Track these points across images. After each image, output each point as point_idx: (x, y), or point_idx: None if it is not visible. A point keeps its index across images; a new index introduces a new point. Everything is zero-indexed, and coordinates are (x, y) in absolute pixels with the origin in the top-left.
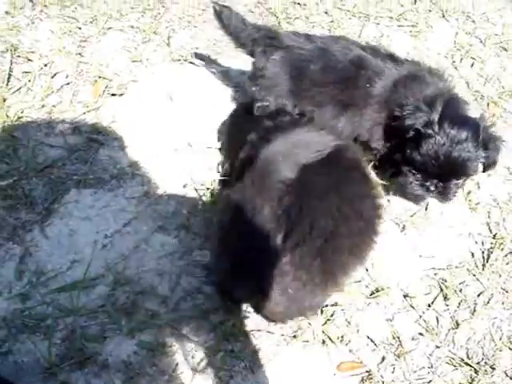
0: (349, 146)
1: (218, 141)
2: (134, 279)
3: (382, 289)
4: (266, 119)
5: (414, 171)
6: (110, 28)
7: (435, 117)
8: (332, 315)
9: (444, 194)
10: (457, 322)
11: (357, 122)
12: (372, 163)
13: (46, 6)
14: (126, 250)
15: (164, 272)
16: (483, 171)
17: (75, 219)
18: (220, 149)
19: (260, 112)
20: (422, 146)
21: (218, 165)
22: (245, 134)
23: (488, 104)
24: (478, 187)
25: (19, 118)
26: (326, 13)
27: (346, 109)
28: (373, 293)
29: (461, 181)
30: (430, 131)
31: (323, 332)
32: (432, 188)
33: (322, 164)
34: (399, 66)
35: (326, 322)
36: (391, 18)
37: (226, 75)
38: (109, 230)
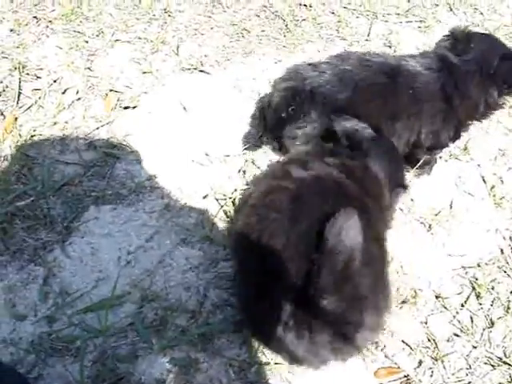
0: None
1: None
2: (161, 295)
3: (415, 292)
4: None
5: None
6: (118, 40)
7: None
8: None
9: None
10: (491, 320)
11: (411, 128)
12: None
13: (50, 21)
14: (151, 266)
15: (191, 286)
16: None
17: (96, 236)
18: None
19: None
20: None
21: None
22: None
23: None
24: (502, 182)
25: (32, 136)
26: (332, 13)
27: (394, 120)
28: (405, 299)
29: None
30: None
31: None
32: None
33: None
34: (422, 63)
35: None
36: (399, 14)
37: (237, 81)
38: (132, 246)
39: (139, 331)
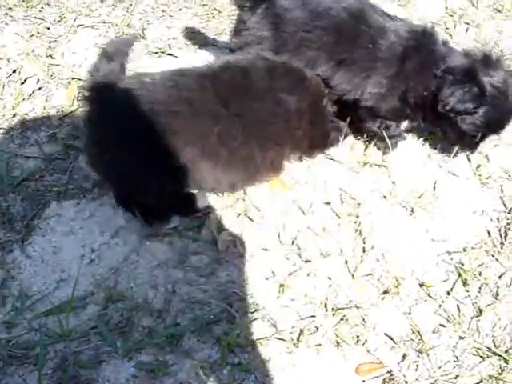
0: None
1: None
2: (126, 294)
3: (397, 280)
4: None
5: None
6: (80, 25)
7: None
8: (344, 314)
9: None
10: (479, 308)
11: (357, 84)
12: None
13: (10, 8)
14: (116, 263)
15: (158, 283)
16: None
17: (58, 234)
18: None
19: None
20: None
21: None
22: None
23: None
24: (488, 160)
25: None
26: None
27: (340, 65)
28: (387, 289)
29: None
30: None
31: (336, 334)
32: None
33: None
34: (399, 25)
35: (338, 322)
36: None
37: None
38: (95, 243)
39: (103, 334)
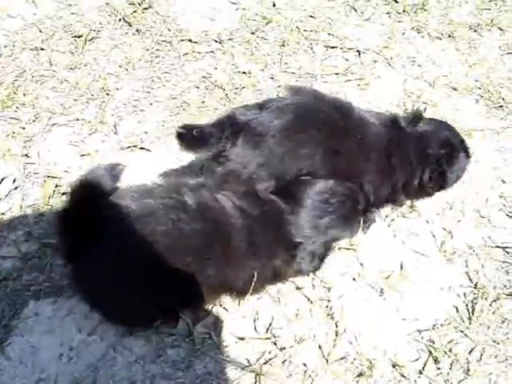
0: None
1: None
2: None
3: (370, 362)
4: None
5: None
6: (55, 124)
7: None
8: None
9: None
10: None
11: (351, 175)
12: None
13: None
14: (94, 361)
15: (136, 379)
16: None
17: (36, 334)
18: None
19: None
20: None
21: None
22: None
23: None
24: (451, 236)
25: None
26: (271, 78)
27: (336, 158)
28: (361, 372)
29: None
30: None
31: None
32: None
33: None
34: (372, 115)
35: None
36: (337, 73)
37: (179, 156)
38: (73, 341)
39: None
